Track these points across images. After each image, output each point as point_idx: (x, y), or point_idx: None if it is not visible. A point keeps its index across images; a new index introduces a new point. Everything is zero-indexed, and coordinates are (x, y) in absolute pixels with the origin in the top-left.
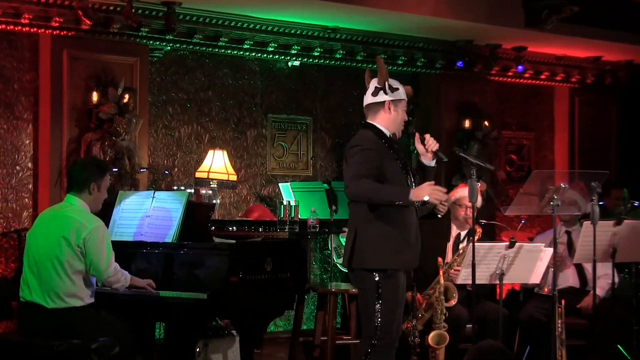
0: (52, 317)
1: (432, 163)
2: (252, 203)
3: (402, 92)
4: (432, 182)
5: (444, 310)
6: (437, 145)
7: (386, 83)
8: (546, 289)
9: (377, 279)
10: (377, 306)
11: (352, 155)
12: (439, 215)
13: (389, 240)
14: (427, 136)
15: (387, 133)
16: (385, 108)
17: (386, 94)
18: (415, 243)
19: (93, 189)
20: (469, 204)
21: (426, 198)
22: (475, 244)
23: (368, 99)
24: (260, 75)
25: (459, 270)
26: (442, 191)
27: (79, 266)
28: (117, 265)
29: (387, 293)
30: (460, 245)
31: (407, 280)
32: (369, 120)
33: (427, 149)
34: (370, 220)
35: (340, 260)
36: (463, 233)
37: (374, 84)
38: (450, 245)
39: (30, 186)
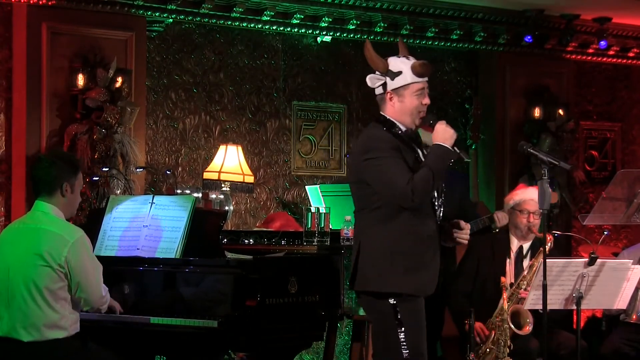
0: (29, 352)
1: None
2: (273, 210)
3: (407, 75)
4: (443, 122)
5: (508, 341)
6: (466, 241)
7: (386, 68)
8: (634, 316)
9: (392, 301)
10: (401, 335)
11: (375, 164)
12: (496, 229)
13: (398, 256)
14: (467, 229)
15: (402, 127)
16: (387, 99)
17: (384, 82)
18: (432, 262)
19: (65, 190)
20: (532, 209)
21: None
22: (548, 259)
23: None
24: (283, 53)
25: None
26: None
27: (61, 292)
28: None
29: (409, 318)
30: (525, 262)
31: (462, 305)
32: (381, 112)
33: (455, 238)
34: (376, 232)
35: None
36: (526, 246)
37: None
38: (511, 262)
39: (3, 190)
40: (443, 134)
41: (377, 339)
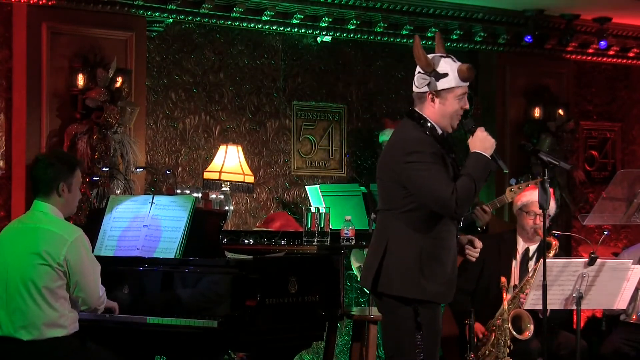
0: (29, 351)
1: None
2: (273, 210)
3: (452, 79)
4: (483, 129)
5: (508, 341)
6: (475, 259)
7: (431, 67)
8: (634, 316)
9: (415, 306)
10: (418, 339)
11: (417, 168)
12: (480, 228)
13: (427, 263)
14: (479, 248)
15: (438, 130)
16: (428, 99)
17: (429, 82)
18: (453, 271)
19: (62, 190)
20: (539, 211)
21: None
22: (548, 260)
23: (414, 85)
24: (283, 53)
25: None
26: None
27: (61, 291)
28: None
29: (428, 323)
30: (531, 264)
31: (464, 305)
32: (416, 109)
33: (466, 254)
34: (406, 236)
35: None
36: (532, 247)
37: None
38: (516, 263)
39: (3, 190)
40: (483, 143)
41: (391, 341)
